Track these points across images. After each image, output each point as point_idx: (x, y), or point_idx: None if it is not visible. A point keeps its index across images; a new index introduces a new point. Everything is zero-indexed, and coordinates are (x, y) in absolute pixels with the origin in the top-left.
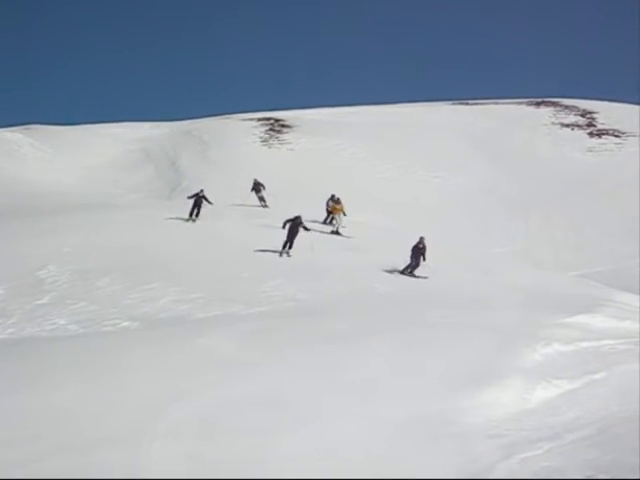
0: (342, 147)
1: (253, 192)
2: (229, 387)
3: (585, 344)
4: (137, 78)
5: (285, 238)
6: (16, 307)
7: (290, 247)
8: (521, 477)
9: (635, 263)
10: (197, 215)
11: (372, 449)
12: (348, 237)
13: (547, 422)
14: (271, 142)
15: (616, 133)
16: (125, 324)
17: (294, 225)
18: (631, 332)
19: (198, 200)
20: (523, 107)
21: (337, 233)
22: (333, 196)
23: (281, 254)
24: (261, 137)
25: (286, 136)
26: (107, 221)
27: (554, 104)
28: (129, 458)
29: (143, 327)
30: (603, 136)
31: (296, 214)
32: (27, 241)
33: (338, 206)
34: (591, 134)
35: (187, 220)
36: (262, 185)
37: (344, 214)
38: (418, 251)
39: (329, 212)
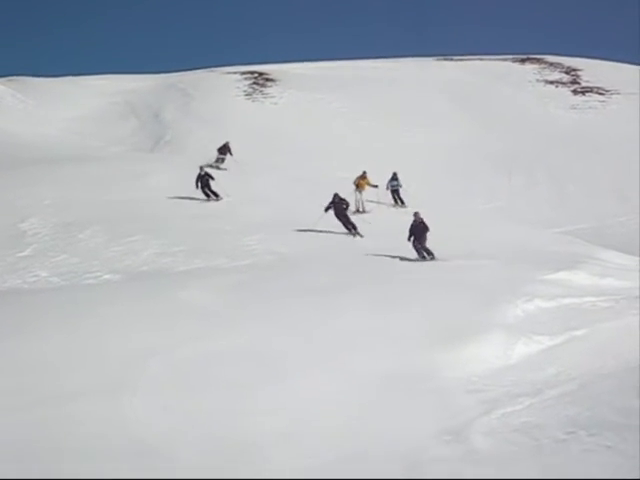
0: (326, 101)
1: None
2: (209, 340)
3: (567, 301)
4: (121, 30)
5: (342, 225)
6: None
7: (354, 228)
8: (500, 431)
9: (618, 221)
10: (214, 194)
11: (349, 404)
12: (369, 222)
13: (528, 378)
14: (255, 96)
15: (600, 91)
16: (107, 277)
17: (338, 206)
18: (613, 289)
19: (203, 180)
20: (508, 63)
21: (362, 212)
22: (364, 172)
23: (354, 235)
24: (245, 91)
25: (270, 90)
26: (89, 174)
27: (539, 61)
28: (110, 410)
29: (125, 280)
30: (587, 94)
31: (333, 193)
32: (8, 193)
33: (363, 181)
34: (575, 91)
35: (209, 200)
36: (229, 149)
37: (373, 186)
38: (419, 230)
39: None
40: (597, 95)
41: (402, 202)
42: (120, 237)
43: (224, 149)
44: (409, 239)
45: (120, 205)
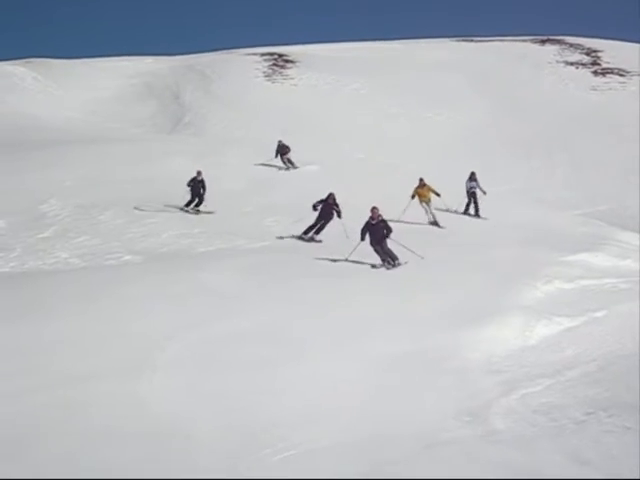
0: (345, 83)
1: (278, 156)
2: (228, 321)
3: (586, 282)
4: (140, 11)
5: (314, 221)
6: (18, 241)
7: (317, 231)
8: (520, 412)
9: (636, 202)
10: (197, 205)
11: (368, 385)
12: (444, 227)
13: (547, 359)
14: (274, 77)
15: (620, 72)
16: (127, 258)
17: (327, 206)
18: (632, 271)
19: (196, 187)
20: (528, 44)
21: (435, 224)
22: (421, 180)
23: (302, 237)
24: (264, 72)
25: (289, 71)
26: (110, 155)
27: (559, 42)
28: (129, 390)
29: (145, 261)
30: (607, 75)
31: (328, 192)
32: (29, 175)
33: (424, 189)
34: (595, 73)
35: (181, 209)
36: (287, 147)
37: (436, 194)
38: (376, 230)
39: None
40: (617, 76)
41: (476, 211)
42: (140, 218)
43: (283, 151)
44: (363, 239)
45: (140, 186)
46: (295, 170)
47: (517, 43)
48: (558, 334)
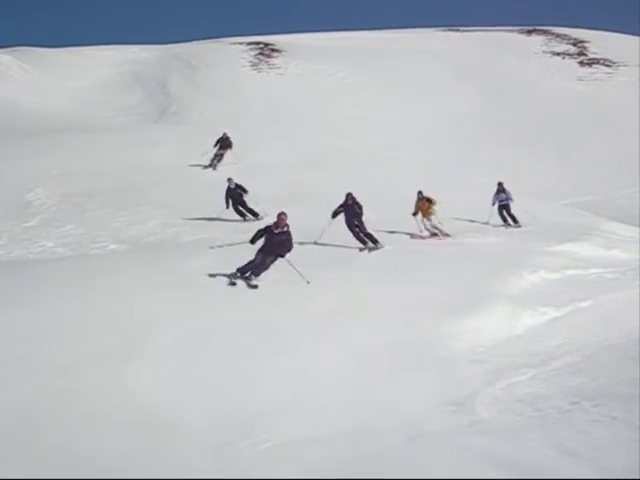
0: (331, 72)
1: (216, 147)
2: (215, 311)
3: (572, 272)
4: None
5: (353, 236)
6: (4, 229)
7: (365, 241)
8: (505, 402)
9: (622, 193)
10: (251, 213)
11: (355, 373)
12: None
13: (532, 349)
14: (261, 66)
15: (607, 63)
16: (113, 247)
17: (350, 208)
18: (618, 261)
19: (235, 196)
20: (514, 35)
21: (437, 234)
22: (420, 193)
23: (370, 249)
24: (251, 61)
25: (276, 60)
26: (96, 144)
27: (545, 32)
28: (115, 379)
29: (131, 250)
30: (594, 65)
31: (346, 193)
32: (14, 163)
33: (427, 205)
34: (582, 63)
35: (245, 220)
36: (229, 143)
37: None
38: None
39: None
40: (604, 67)
41: (514, 220)
42: (126, 207)
43: (224, 143)
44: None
45: (126, 175)
46: (282, 158)
47: (503, 33)
48: (544, 324)
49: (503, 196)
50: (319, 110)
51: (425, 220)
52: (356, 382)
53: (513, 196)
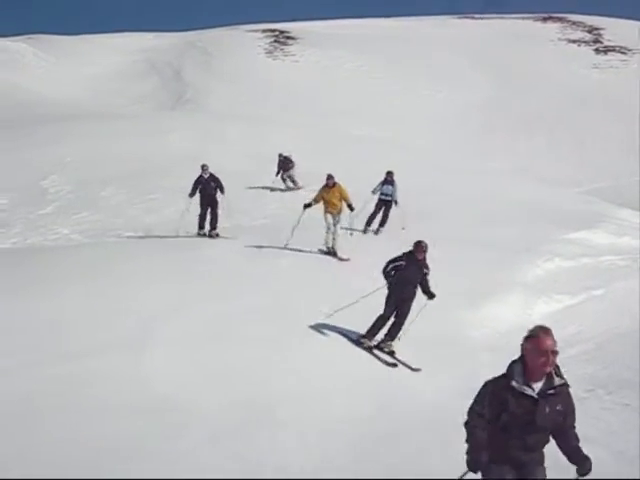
0: (346, 59)
1: (280, 174)
2: (229, 298)
3: (586, 260)
4: None
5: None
6: (19, 217)
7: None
8: None
9: (635, 180)
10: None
11: (371, 360)
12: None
13: None
14: (276, 54)
15: (622, 50)
16: (128, 234)
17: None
18: (630, 248)
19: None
20: (530, 22)
21: (333, 253)
22: (329, 178)
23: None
24: (266, 49)
25: (291, 48)
26: (111, 131)
27: (561, 20)
28: (129, 366)
29: (146, 237)
30: (609, 53)
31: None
32: (30, 151)
33: (332, 194)
34: (597, 50)
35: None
36: (291, 161)
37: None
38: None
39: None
40: (619, 54)
41: (383, 224)
42: (142, 194)
43: (285, 164)
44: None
45: (141, 163)
46: (295, 145)
47: (519, 21)
48: (558, 312)
49: (389, 189)
50: (334, 97)
51: (330, 217)
52: (372, 369)
53: (398, 194)
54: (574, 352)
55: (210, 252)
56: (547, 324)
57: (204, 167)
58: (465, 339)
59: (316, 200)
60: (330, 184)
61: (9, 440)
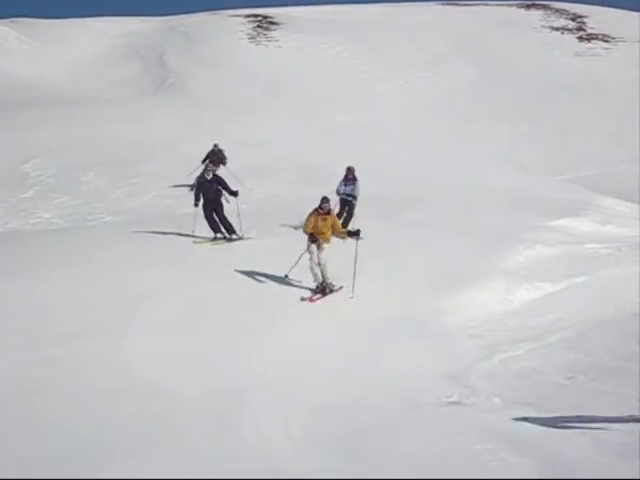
0: (329, 46)
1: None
2: (212, 283)
3: (568, 247)
4: None
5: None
6: (1, 201)
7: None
8: (500, 376)
9: (619, 168)
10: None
11: (351, 347)
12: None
13: (528, 323)
14: (259, 39)
15: (605, 38)
16: (109, 219)
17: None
18: (614, 236)
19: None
20: (513, 9)
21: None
22: (324, 201)
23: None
24: (249, 34)
25: (274, 33)
26: (93, 116)
27: (544, 7)
28: (114, 349)
29: (127, 222)
30: (592, 40)
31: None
32: (12, 134)
33: (323, 223)
34: (580, 38)
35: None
36: (223, 157)
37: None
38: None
39: None
40: (602, 42)
41: (345, 223)
42: (123, 179)
43: (215, 157)
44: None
45: (123, 147)
46: (278, 131)
47: (502, 7)
48: (539, 299)
49: (349, 189)
50: (317, 83)
51: (314, 249)
52: (352, 355)
53: (359, 192)
54: (555, 339)
55: (189, 237)
56: (528, 311)
57: (208, 167)
58: (446, 325)
59: (307, 229)
60: (325, 209)
61: (2, 421)
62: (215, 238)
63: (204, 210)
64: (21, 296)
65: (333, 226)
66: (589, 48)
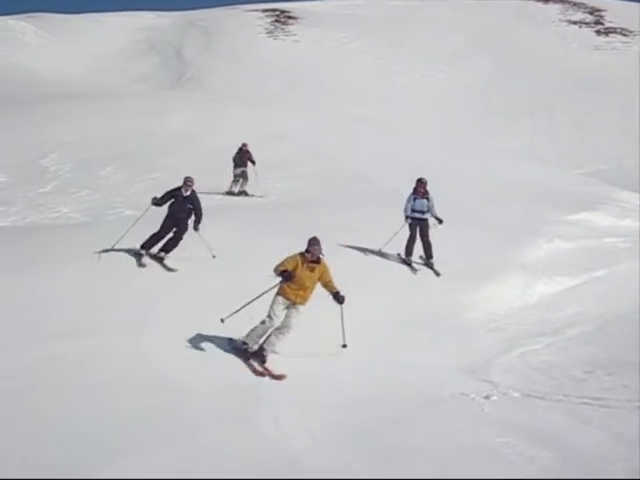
0: (347, 40)
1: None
2: (228, 276)
3: (586, 241)
4: None
5: None
6: (19, 195)
7: None
8: (519, 370)
9: (637, 162)
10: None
11: (371, 342)
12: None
13: (547, 317)
14: (276, 34)
15: (624, 32)
16: (129, 213)
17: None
18: (632, 230)
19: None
20: (531, 3)
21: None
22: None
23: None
24: (266, 28)
25: (291, 28)
26: (111, 111)
27: (562, 0)
28: (126, 345)
29: (147, 216)
30: (610, 34)
31: None
32: (30, 129)
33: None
34: (598, 32)
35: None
36: (249, 156)
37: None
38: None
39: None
40: (620, 36)
41: (428, 253)
42: (142, 174)
43: (242, 157)
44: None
45: (141, 142)
46: (296, 125)
47: (520, 1)
48: (558, 293)
49: (423, 204)
50: (335, 78)
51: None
52: (373, 350)
53: (437, 208)
54: (574, 333)
55: (207, 232)
56: (546, 305)
57: (188, 181)
58: (466, 319)
59: (279, 267)
60: (314, 256)
61: (8, 417)
62: (138, 254)
63: (163, 225)
64: (36, 290)
65: (321, 279)
66: (607, 42)
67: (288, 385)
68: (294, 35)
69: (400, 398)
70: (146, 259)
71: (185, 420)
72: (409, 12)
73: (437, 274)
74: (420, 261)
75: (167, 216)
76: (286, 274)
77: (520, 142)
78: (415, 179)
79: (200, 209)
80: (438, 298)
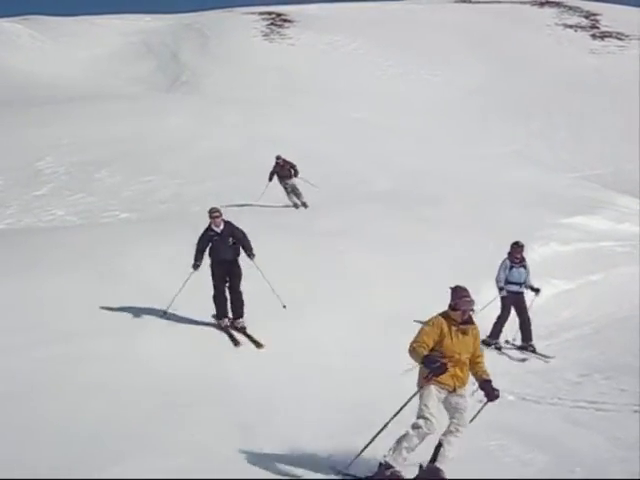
0: (343, 43)
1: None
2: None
3: (583, 245)
4: None
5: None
6: (14, 198)
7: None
8: (515, 373)
9: (634, 166)
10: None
11: (360, 343)
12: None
13: (543, 321)
14: (272, 37)
15: (619, 36)
16: (124, 216)
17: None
18: (629, 234)
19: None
20: (527, 7)
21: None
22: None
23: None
24: (262, 31)
25: (287, 31)
26: (107, 113)
27: (558, 4)
28: (127, 347)
29: (142, 219)
30: (606, 38)
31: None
32: (25, 132)
33: None
34: (594, 36)
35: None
36: (292, 167)
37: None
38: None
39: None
40: (616, 40)
41: (526, 336)
42: (137, 176)
43: (282, 169)
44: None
45: (137, 144)
46: (293, 129)
47: (516, 5)
48: (554, 296)
49: (521, 274)
50: (331, 81)
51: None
52: (362, 350)
53: (532, 278)
54: (570, 336)
55: None
56: (542, 309)
57: (213, 213)
58: None
59: (421, 348)
60: (465, 315)
61: (7, 419)
62: (223, 326)
63: (215, 280)
64: (33, 293)
65: (475, 349)
66: (603, 46)
67: (281, 385)
68: (290, 38)
69: (389, 400)
70: (234, 333)
71: (185, 422)
72: (405, 15)
73: (546, 359)
74: (510, 346)
75: (211, 265)
76: (437, 366)
77: (516, 145)
78: (410, 181)
79: (246, 238)
80: (429, 300)
